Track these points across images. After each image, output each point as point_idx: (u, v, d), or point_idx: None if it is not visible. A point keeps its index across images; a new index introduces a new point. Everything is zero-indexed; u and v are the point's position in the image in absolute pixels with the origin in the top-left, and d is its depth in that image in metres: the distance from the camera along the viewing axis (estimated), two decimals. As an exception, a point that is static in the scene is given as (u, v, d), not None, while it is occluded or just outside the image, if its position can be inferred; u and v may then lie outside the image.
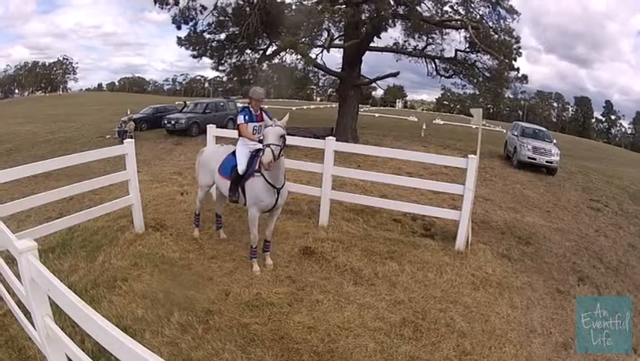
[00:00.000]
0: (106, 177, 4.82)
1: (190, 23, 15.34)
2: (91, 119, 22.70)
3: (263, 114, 4.34)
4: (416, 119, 29.79)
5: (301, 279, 4.17)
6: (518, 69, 14.59)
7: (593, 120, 63.32)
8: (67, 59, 68.28)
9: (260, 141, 4.13)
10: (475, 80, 15.79)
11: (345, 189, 6.84)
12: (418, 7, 13.84)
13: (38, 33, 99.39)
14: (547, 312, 3.86)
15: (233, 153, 4.53)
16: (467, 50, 15.01)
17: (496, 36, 14.13)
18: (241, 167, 4.31)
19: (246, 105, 4.66)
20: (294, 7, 14.87)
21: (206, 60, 16.08)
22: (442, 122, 29.98)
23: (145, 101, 29.20)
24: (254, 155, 4.32)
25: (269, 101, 27.57)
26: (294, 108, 33.41)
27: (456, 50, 15.43)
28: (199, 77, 72.37)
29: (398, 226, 5.95)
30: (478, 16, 14.41)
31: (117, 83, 73.22)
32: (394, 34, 23.96)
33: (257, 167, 4.19)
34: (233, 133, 7.50)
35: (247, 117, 4.50)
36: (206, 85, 69.50)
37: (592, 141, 49.85)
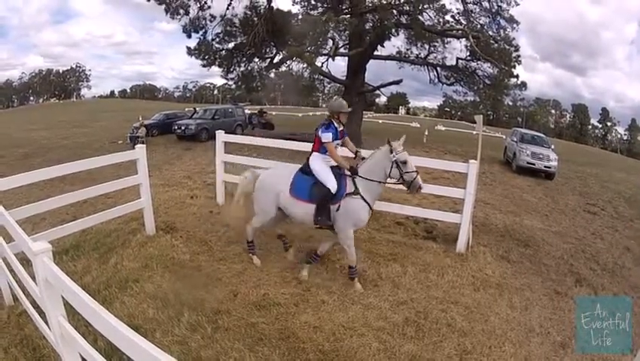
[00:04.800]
0: (118, 181, 4.82)
1: (200, 32, 15.67)
2: (104, 125, 22.97)
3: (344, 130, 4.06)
4: (419, 126, 29.84)
5: (307, 280, 4.23)
6: (517, 77, 14.76)
7: (590, 127, 63.40)
8: (80, 67, 69.37)
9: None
10: (476, 88, 15.93)
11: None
12: (420, 17, 14.04)
13: (52, 42, 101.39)
14: (545, 312, 3.90)
15: (302, 171, 4.13)
16: (468, 58, 15.19)
17: (496, 45, 14.31)
18: (333, 186, 3.92)
19: (329, 120, 4.11)
20: (299, 17, 15.17)
21: (215, 68, 16.37)
22: (443, 129, 30.06)
23: (156, 107, 29.48)
24: (341, 173, 4.00)
25: (277, 108, 27.79)
26: (300, 115, 33.69)
27: (457, 58, 15.62)
28: (208, 85, 73.11)
29: (401, 229, 6.00)
30: (479, 26, 14.62)
31: (128, 91, 74.05)
32: (397, 42, 24.39)
33: (350, 189, 3.91)
34: (241, 139, 7.70)
35: (333, 135, 4.03)
36: (215, 92, 70.14)
37: (588, 146, 49.65)
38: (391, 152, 3.88)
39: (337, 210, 3.94)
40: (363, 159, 4.22)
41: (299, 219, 4.19)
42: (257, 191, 4.31)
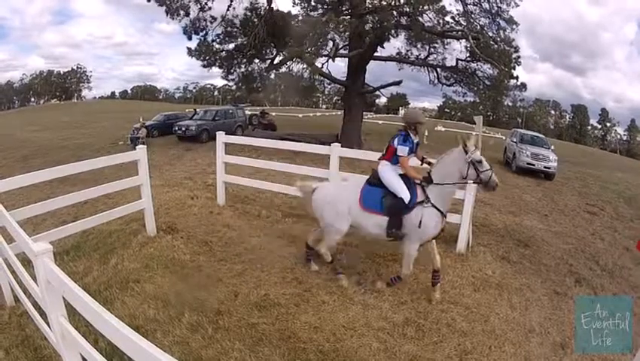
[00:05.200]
0: (119, 182, 4.83)
1: (200, 34, 15.70)
2: (104, 126, 22.99)
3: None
4: (419, 127, 29.81)
5: (307, 280, 4.24)
6: (517, 78, 14.75)
7: (589, 127, 63.48)
8: (81, 68, 69.51)
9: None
10: (475, 89, 15.93)
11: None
12: (420, 18, 14.04)
13: (53, 43, 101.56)
14: (544, 313, 3.91)
15: (370, 182, 3.97)
16: (468, 59, 15.19)
17: (496, 46, 14.31)
18: (406, 195, 3.75)
19: (405, 131, 3.90)
20: (300, 18, 15.18)
21: (216, 69, 16.40)
22: (443, 129, 30.01)
23: (157, 108, 29.52)
24: (411, 181, 3.83)
25: (276, 109, 27.84)
26: (300, 115, 33.72)
27: (457, 59, 15.60)
28: (208, 86, 73.17)
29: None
30: (478, 27, 14.61)
31: (129, 92, 74.09)
32: (397, 44, 24.40)
33: (421, 198, 3.76)
34: (241, 139, 7.72)
35: (410, 148, 3.84)
36: (216, 93, 70.29)
37: (588, 147, 49.69)
38: (466, 152, 3.71)
39: (409, 220, 3.79)
40: (429, 163, 4.07)
41: (371, 232, 3.97)
42: (323, 206, 4.02)
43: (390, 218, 3.78)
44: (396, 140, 3.86)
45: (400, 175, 3.89)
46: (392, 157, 3.90)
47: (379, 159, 4.03)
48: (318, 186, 4.18)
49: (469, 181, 3.83)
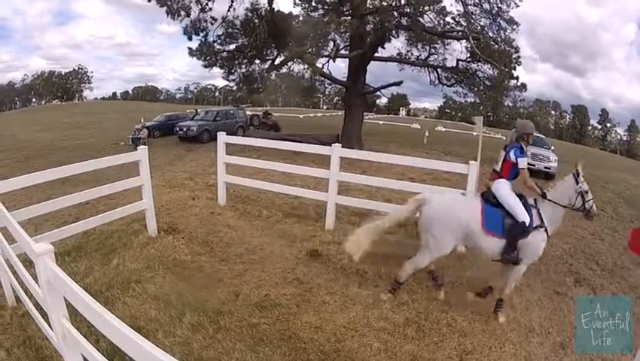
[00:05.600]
0: (120, 182, 4.84)
1: (201, 34, 15.71)
2: (106, 126, 23.03)
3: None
4: (419, 127, 29.91)
5: (308, 280, 4.26)
6: (517, 78, 14.78)
7: (590, 128, 63.37)
8: (82, 69, 69.28)
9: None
10: (476, 89, 15.95)
11: (351, 193, 6.94)
12: (420, 19, 14.08)
13: (54, 44, 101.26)
14: (545, 313, 3.92)
15: (487, 200, 3.77)
16: (469, 59, 15.21)
17: (496, 46, 14.33)
18: (527, 218, 3.61)
19: (518, 142, 3.84)
20: (300, 18, 15.19)
21: (216, 70, 16.45)
22: (444, 130, 30.08)
23: (158, 109, 29.51)
24: (527, 203, 3.73)
25: (277, 110, 27.87)
26: (301, 116, 33.73)
27: (458, 60, 15.61)
28: (209, 86, 72.96)
29: (402, 230, 6.01)
30: (479, 27, 14.61)
31: (130, 92, 73.87)
32: (397, 44, 24.39)
33: (537, 221, 3.65)
34: (242, 140, 7.74)
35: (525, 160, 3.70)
36: (217, 94, 70.05)
37: (588, 147, 49.67)
38: (577, 182, 3.72)
39: (524, 244, 3.66)
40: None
41: (486, 253, 3.78)
42: (432, 220, 3.69)
43: (507, 241, 3.62)
44: (512, 153, 3.76)
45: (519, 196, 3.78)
46: (510, 172, 3.79)
47: (492, 175, 3.90)
48: (433, 198, 3.84)
49: (574, 208, 3.78)
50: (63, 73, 68.58)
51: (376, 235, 3.87)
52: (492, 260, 3.84)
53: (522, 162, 3.72)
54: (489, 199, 3.75)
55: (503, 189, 3.73)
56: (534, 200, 3.78)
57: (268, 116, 20.90)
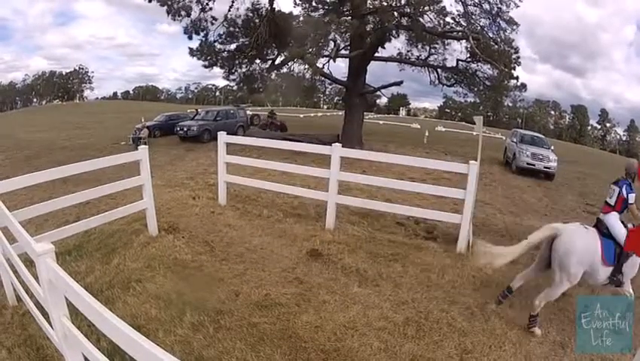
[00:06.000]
0: (121, 182, 4.84)
1: (202, 34, 15.75)
2: (106, 126, 23.09)
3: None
4: (419, 127, 29.95)
5: (308, 280, 4.26)
6: (517, 78, 14.81)
7: (589, 128, 63.40)
8: (83, 69, 69.30)
9: None
10: (476, 89, 16.03)
11: (351, 193, 6.94)
12: (421, 19, 14.13)
13: (55, 44, 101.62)
14: (544, 312, 3.86)
15: (602, 233, 3.93)
16: (469, 59, 15.26)
17: (496, 46, 14.38)
18: None
19: (626, 180, 4.04)
20: (301, 19, 15.21)
21: (217, 70, 16.46)
22: (444, 130, 30.09)
23: (158, 109, 29.49)
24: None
25: (278, 109, 27.86)
26: (301, 116, 33.75)
27: (458, 60, 15.67)
28: (210, 86, 72.90)
29: (402, 229, 6.03)
30: (479, 28, 14.68)
31: (131, 92, 73.78)
32: (397, 44, 24.41)
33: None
34: (243, 140, 7.75)
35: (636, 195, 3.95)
36: (217, 93, 70.06)
37: (588, 147, 49.71)
38: None
39: (626, 266, 3.84)
40: None
41: (598, 281, 3.91)
42: (569, 256, 3.75)
43: (615, 268, 3.80)
44: (624, 189, 3.96)
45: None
46: (622, 206, 4.00)
47: (604, 208, 4.11)
48: (565, 232, 3.91)
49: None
50: (64, 73, 68.61)
51: (506, 261, 3.93)
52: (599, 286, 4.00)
53: (632, 198, 3.95)
54: (605, 232, 3.94)
55: (615, 221, 3.94)
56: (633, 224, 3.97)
57: (274, 116, 20.87)
